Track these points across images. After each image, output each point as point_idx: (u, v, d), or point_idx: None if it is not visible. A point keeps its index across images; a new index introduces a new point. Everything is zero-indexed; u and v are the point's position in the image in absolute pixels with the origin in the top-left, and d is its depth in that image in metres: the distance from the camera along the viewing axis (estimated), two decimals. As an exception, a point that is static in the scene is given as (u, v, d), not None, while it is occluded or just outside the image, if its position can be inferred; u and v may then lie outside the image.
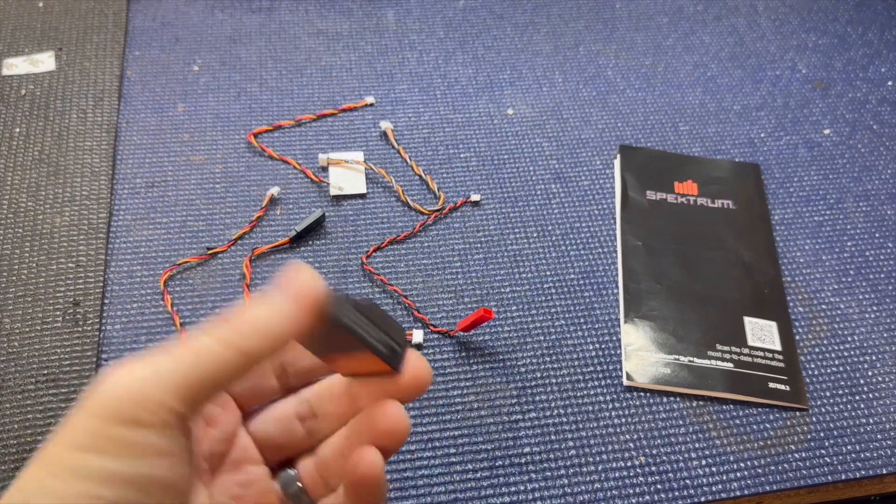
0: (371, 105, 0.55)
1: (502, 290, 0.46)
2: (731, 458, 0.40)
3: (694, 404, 0.42)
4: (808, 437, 0.41)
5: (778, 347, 0.44)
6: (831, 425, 0.42)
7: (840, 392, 0.43)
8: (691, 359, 0.43)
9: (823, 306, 0.47)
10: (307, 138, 0.53)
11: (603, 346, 0.44)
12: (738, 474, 0.40)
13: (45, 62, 0.56)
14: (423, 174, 0.51)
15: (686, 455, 0.40)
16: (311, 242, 0.48)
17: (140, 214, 0.48)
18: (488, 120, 0.55)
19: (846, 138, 0.56)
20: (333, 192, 0.49)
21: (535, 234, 0.49)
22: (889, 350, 0.45)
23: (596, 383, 0.43)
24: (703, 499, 0.39)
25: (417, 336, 0.43)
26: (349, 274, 0.46)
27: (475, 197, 0.50)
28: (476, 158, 0.53)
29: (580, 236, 0.49)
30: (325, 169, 0.51)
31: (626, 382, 0.43)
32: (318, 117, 0.54)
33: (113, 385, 0.20)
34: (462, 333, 0.44)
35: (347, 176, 0.50)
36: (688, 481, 0.39)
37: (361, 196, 0.50)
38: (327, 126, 0.54)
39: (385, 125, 0.53)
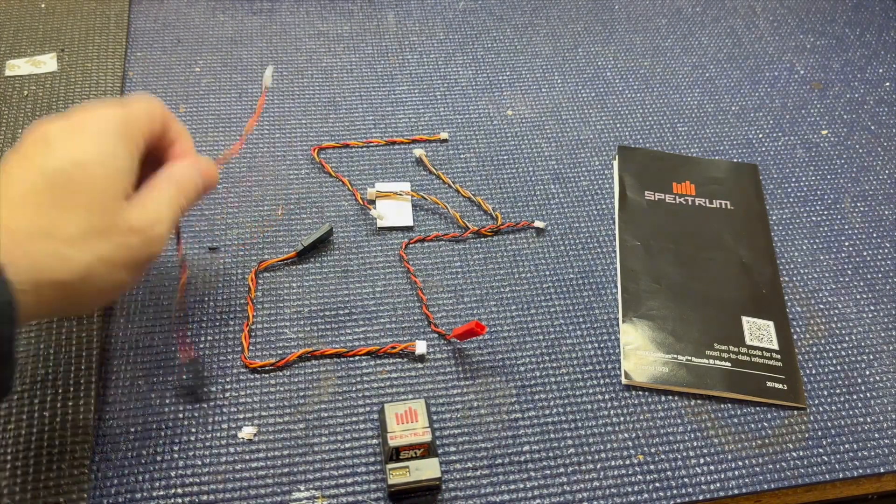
0: (445, 141, 0.54)
1: (502, 290, 0.47)
2: (729, 457, 0.41)
3: (692, 403, 0.42)
4: (806, 435, 0.42)
5: (776, 347, 0.45)
6: (829, 424, 0.42)
7: (838, 391, 0.44)
8: (689, 358, 0.44)
9: (821, 306, 0.47)
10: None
11: (602, 346, 0.44)
12: (736, 473, 0.40)
13: (47, 63, 0.56)
14: (474, 196, 0.50)
15: (684, 454, 0.41)
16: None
17: (142, 215, 0.48)
18: (488, 121, 0.56)
19: (844, 139, 0.57)
20: (380, 223, 0.49)
21: (533, 234, 0.49)
22: (886, 349, 0.45)
23: (595, 382, 0.43)
24: (701, 497, 0.39)
25: (420, 347, 0.43)
26: (350, 274, 0.47)
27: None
28: (476, 159, 0.53)
29: (579, 236, 0.49)
30: (372, 202, 0.50)
31: (624, 381, 0.43)
32: (387, 143, 0.54)
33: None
34: (456, 340, 0.44)
35: (395, 207, 0.50)
36: (686, 480, 0.40)
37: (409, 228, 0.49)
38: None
39: (419, 152, 0.52)
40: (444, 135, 0.54)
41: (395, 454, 0.37)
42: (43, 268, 0.30)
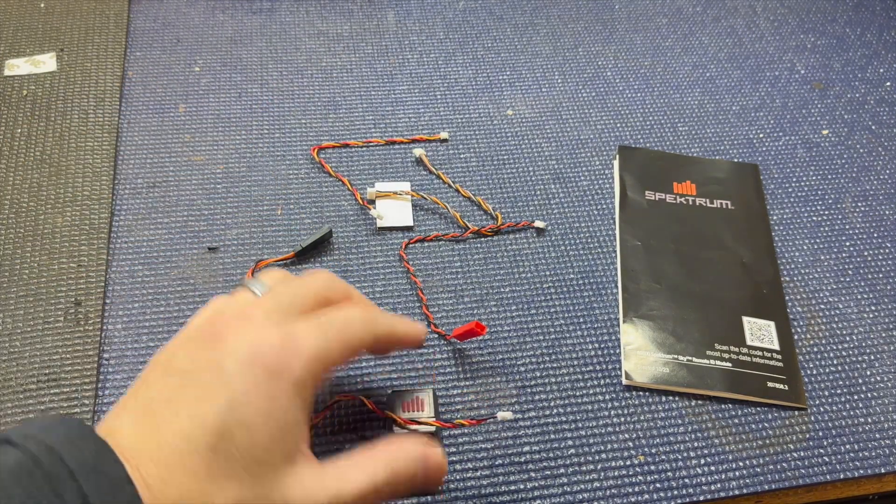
0: (445, 140, 0.54)
1: (502, 290, 0.46)
2: (730, 458, 0.40)
3: (693, 403, 0.42)
4: (807, 436, 0.42)
5: (776, 347, 0.45)
6: (830, 425, 0.42)
7: (838, 391, 0.43)
8: (690, 358, 0.44)
9: (822, 306, 0.47)
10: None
11: (602, 346, 0.44)
12: (737, 473, 0.40)
13: (46, 63, 0.56)
14: (474, 196, 0.50)
15: (685, 454, 0.40)
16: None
17: (141, 214, 0.48)
18: (488, 121, 0.56)
19: (844, 139, 0.57)
20: (379, 223, 0.49)
21: (534, 234, 0.49)
22: (887, 350, 0.45)
23: (595, 383, 0.43)
24: (701, 497, 0.39)
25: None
26: (350, 274, 0.46)
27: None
28: (476, 159, 0.53)
29: (579, 236, 0.49)
30: (372, 201, 0.50)
31: (625, 382, 0.43)
32: (387, 143, 0.54)
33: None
34: (456, 340, 0.44)
35: (394, 207, 0.49)
36: (686, 480, 0.40)
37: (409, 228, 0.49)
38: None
39: (419, 152, 0.52)
40: (444, 134, 0.54)
41: None
42: None
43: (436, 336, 0.44)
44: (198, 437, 0.26)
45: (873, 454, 0.41)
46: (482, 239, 0.49)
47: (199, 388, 0.27)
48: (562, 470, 0.39)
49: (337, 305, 0.33)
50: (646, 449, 0.40)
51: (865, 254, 0.50)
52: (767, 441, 0.41)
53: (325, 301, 0.33)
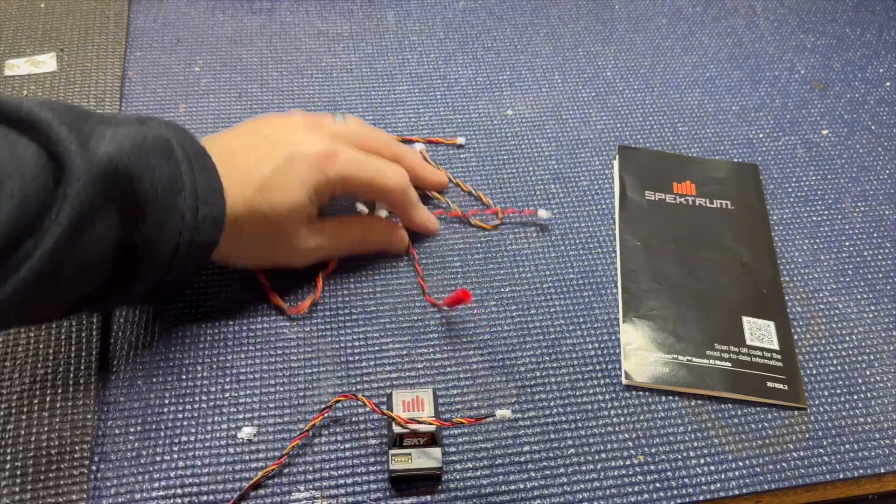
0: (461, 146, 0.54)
1: (502, 289, 0.46)
2: (730, 457, 0.40)
3: (692, 403, 0.42)
4: (807, 436, 0.42)
5: (776, 347, 0.45)
6: (829, 424, 0.42)
7: (838, 391, 0.44)
8: (690, 358, 0.44)
9: (822, 306, 0.47)
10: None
11: (602, 346, 0.44)
12: (737, 473, 0.40)
13: (46, 63, 0.56)
14: (474, 190, 0.51)
15: (685, 454, 0.40)
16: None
17: (141, 214, 0.48)
18: (488, 121, 0.56)
19: (844, 139, 0.57)
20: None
21: (534, 234, 0.49)
22: (887, 350, 0.45)
23: (595, 382, 0.43)
24: (701, 497, 0.39)
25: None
26: (352, 267, 0.46)
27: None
28: (476, 159, 0.53)
29: (579, 236, 0.49)
30: None
31: (624, 381, 0.43)
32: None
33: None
34: (447, 308, 0.44)
35: None
36: (686, 480, 0.40)
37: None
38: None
39: (419, 147, 0.52)
40: (460, 139, 0.53)
41: (399, 441, 0.37)
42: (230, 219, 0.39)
43: (436, 335, 0.44)
44: (257, 176, 0.40)
45: (873, 454, 0.41)
46: (482, 239, 0.49)
47: (269, 150, 0.41)
48: (562, 470, 0.39)
49: (383, 158, 0.45)
50: (646, 449, 0.41)
51: (865, 254, 0.50)
52: (767, 441, 0.41)
53: (376, 152, 0.44)
